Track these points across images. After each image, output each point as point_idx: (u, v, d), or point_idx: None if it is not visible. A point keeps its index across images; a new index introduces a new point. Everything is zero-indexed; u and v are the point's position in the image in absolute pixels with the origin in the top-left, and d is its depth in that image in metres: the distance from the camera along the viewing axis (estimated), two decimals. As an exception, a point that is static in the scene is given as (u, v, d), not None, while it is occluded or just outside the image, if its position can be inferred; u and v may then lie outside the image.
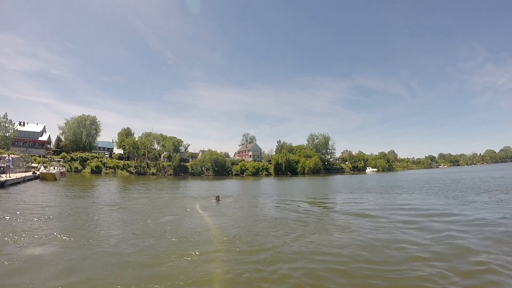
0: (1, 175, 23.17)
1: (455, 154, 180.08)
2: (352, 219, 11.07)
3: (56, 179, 33.51)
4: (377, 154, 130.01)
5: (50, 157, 70.38)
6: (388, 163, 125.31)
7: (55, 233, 8.03)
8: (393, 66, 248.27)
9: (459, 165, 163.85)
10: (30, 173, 33.67)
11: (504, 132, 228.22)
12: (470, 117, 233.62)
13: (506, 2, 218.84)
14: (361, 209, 13.90)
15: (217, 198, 17.37)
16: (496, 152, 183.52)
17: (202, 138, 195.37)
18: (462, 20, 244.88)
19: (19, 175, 28.90)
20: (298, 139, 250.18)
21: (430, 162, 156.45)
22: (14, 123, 75.23)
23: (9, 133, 71.73)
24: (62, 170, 44.48)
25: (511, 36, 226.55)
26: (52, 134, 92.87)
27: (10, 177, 23.90)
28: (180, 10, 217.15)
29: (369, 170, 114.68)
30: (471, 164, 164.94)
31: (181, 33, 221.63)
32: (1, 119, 69.63)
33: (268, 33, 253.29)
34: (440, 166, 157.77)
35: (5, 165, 25.49)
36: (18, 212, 11.29)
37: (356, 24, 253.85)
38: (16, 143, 79.61)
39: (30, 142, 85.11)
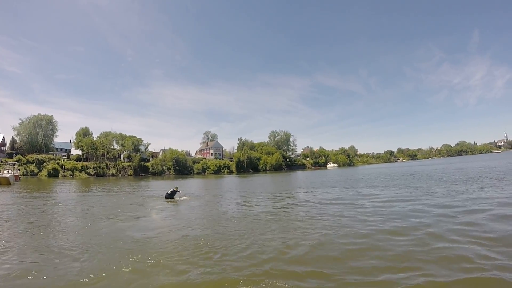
0: None
1: (413, 149, 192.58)
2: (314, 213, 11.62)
3: (10, 184, 32.71)
4: (338, 150, 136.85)
5: (4, 160, 68.62)
6: (348, 158, 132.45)
7: (18, 238, 8.02)
8: (352, 66, 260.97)
9: (417, 159, 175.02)
10: None
11: (460, 127, 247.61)
12: (427, 113, 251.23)
13: (462, 5, 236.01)
14: (324, 203, 14.57)
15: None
16: (452, 146, 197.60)
17: (163, 137, 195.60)
18: (420, 23, 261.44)
19: None
20: (259, 136, 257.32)
21: (389, 157, 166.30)
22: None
23: None
24: (16, 174, 43.78)
25: (466, 38, 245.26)
26: (6, 135, 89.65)
27: None
28: (141, 6, 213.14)
29: (330, 165, 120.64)
30: (428, 158, 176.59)
31: (141, 30, 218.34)
32: None
33: (228, 34, 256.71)
34: (398, 160, 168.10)
35: None
36: None
37: (316, 27, 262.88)
38: (-32, 146, 76.79)
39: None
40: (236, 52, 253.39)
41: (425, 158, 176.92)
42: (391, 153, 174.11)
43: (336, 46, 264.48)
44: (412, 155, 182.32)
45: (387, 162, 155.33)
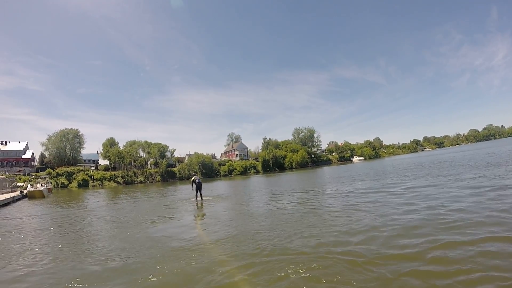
0: None
1: (439, 136, 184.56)
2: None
3: (44, 196, 33.26)
4: (363, 142, 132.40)
5: (36, 174, 69.78)
6: (374, 150, 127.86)
7: (50, 252, 7.60)
8: (370, 56, 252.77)
9: (444, 147, 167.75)
10: (17, 193, 33.48)
11: (486, 111, 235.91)
12: (451, 99, 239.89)
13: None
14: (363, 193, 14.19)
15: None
16: (480, 131, 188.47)
17: (186, 142, 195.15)
18: (435, 5, 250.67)
19: (7, 195, 28.78)
20: (282, 135, 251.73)
21: (415, 146, 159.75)
22: (-5, 143, 74.38)
23: None
24: (49, 187, 44.36)
25: (484, 17, 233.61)
26: (36, 151, 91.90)
27: None
28: (153, 16, 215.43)
29: (356, 159, 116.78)
30: (455, 145, 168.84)
31: (156, 39, 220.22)
32: (-19, 140, 68.78)
33: (242, 33, 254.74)
34: (425, 149, 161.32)
35: None
36: (12, 233, 11.01)
37: (329, 18, 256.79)
38: (0, 163, 78.60)
39: (13, 161, 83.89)
40: (251, 53, 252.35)
41: (452, 145, 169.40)
42: (417, 142, 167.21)
43: (351, 37, 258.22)
44: (439, 143, 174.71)
45: (413, 152, 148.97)
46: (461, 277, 4.25)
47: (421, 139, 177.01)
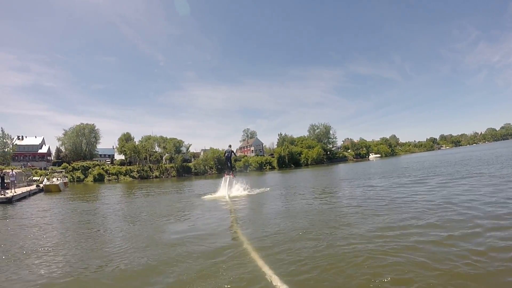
0: (7, 191, 22.96)
1: (456, 135, 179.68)
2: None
3: (60, 190, 33.39)
4: (379, 140, 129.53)
5: (52, 168, 69.91)
6: (390, 148, 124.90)
7: (67, 246, 7.27)
8: (384, 52, 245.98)
9: (461, 145, 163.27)
10: (34, 187, 33.60)
11: (503, 109, 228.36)
12: (468, 96, 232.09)
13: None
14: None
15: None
16: (497, 130, 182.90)
17: (200, 137, 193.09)
18: (450, 1, 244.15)
19: (24, 189, 28.69)
20: (296, 131, 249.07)
21: (432, 145, 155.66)
22: (12, 138, 74.56)
23: (8, 148, 71.15)
24: (65, 181, 44.39)
25: (500, 12, 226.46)
26: (52, 145, 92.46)
27: (15, 192, 23.70)
28: (165, 12, 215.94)
29: (372, 156, 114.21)
30: (472, 144, 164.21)
31: (169, 35, 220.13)
32: (-1, 135, 69.05)
33: (254, 29, 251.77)
34: (442, 148, 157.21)
35: (9, 181, 25.30)
36: (29, 226, 10.83)
37: (342, 14, 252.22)
38: (16, 157, 79.10)
39: (30, 156, 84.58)
40: (264, 48, 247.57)
41: (469, 144, 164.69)
42: (433, 140, 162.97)
43: (365, 33, 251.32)
44: (455, 142, 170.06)
45: (430, 150, 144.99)
46: None
47: (437, 137, 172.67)
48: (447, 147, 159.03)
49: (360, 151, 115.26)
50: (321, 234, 6.61)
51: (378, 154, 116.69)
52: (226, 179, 17.03)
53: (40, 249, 7.10)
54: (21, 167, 62.96)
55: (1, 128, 70.18)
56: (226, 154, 18.29)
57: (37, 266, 5.72)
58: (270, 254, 5.34)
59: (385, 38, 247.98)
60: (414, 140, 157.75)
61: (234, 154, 18.76)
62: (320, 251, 5.35)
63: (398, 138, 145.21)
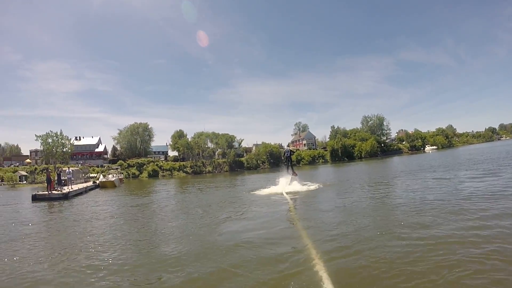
0: (64, 188, 24.36)
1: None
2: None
3: (115, 186, 34.61)
4: (434, 130, 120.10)
5: (108, 166, 71.97)
6: (447, 139, 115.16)
7: (124, 239, 7.55)
8: (435, 36, 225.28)
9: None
10: (90, 183, 35.20)
11: None
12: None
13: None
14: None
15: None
16: None
17: (251, 133, 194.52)
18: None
19: (80, 185, 30.16)
20: (348, 123, 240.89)
21: (491, 135, 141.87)
22: (70, 138, 77.78)
23: (66, 148, 74.25)
24: (120, 177, 45.41)
25: None
26: (108, 144, 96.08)
27: (72, 188, 24.96)
28: (210, 12, 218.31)
29: (428, 148, 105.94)
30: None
31: (215, 34, 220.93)
32: (58, 136, 72.03)
33: (300, 20, 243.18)
34: (501, 138, 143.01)
35: (66, 178, 26.69)
36: (85, 220, 11.32)
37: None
38: (74, 156, 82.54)
39: (87, 155, 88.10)
40: (310, 38, 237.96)
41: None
42: (492, 130, 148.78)
43: (413, 17, 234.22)
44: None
45: (488, 141, 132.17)
46: None
47: (496, 126, 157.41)
48: (508, 138, 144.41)
49: (415, 143, 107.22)
50: (393, 235, 5.95)
51: (435, 146, 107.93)
52: (287, 177, 17.08)
53: (89, 245, 7.28)
54: (79, 165, 65.12)
55: (60, 130, 73.15)
56: (285, 154, 18.69)
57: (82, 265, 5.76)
58: (335, 258, 4.95)
59: (435, 20, 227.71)
60: (472, 130, 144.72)
61: (293, 153, 19.23)
62: (394, 257, 4.79)
63: (455, 129, 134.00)
